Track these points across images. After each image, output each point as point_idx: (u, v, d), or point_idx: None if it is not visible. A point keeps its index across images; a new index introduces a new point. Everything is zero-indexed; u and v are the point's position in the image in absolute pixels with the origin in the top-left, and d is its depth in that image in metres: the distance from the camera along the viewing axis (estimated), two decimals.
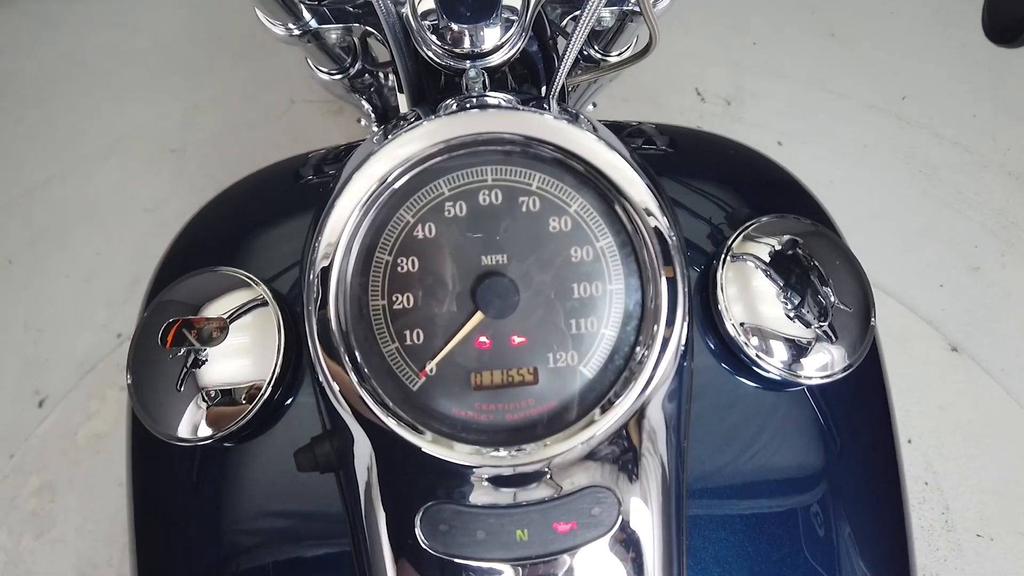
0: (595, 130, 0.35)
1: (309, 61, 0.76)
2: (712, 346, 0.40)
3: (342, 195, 0.30)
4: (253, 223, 0.36)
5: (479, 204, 0.32)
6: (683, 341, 0.31)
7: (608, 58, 0.76)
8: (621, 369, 0.32)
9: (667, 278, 0.31)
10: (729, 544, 0.39)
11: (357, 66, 0.70)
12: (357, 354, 0.31)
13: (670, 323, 0.30)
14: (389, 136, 0.32)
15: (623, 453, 0.32)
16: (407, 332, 0.32)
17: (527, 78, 0.59)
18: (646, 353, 0.31)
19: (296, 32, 0.58)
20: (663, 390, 0.32)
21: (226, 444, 0.40)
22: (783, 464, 0.40)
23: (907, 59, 2.06)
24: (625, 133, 0.53)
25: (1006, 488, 1.40)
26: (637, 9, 0.71)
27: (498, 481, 0.32)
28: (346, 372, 0.31)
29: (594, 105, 1.47)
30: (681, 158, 0.50)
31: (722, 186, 0.46)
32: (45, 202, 1.68)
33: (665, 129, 0.52)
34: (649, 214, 0.30)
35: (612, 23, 0.71)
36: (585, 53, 0.80)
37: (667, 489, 0.34)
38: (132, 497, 0.42)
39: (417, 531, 0.32)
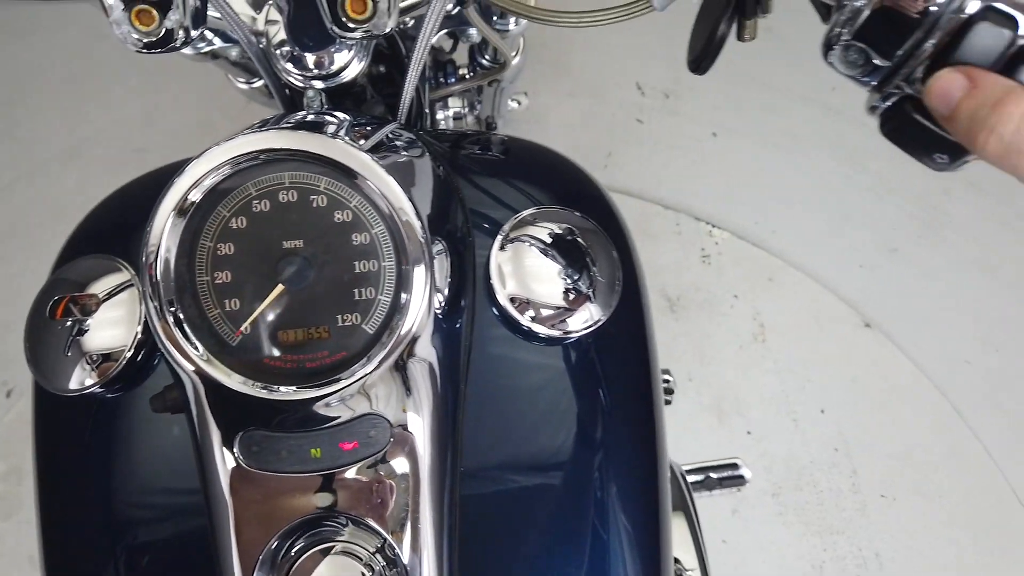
0: (386, 146, 0.46)
1: (227, 74, 0.85)
2: (497, 314, 0.50)
3: (168, 194, 0.40)
4: (137, 215, 0.45)
5: (279, 201, 0.42)
6: (426, 306, 0.41)
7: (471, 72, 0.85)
8: (390, 325, 0.42)
9: (417, 260, 0.41)
10: (502, 486, 0.49)
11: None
12: (184, 319, 0.41)
13: (410, 295, 0.41)
14: (209, 147, 0.41)
15: (393, 390, 0.42)
16: (226, 301, 0.42)
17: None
18: (401, 315, 0.41)
19: (189, 52, 0.68)
20: (422, 343, 0.42)
21: (109, 395, 0.50)
22: (554, 412, 0.51)
23: None
24: (468, 141, 0.63)
25: (910, 453, 1.51)
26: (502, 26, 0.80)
27: (298, 412, 0.42)
28: (176, 332, 0.41)
29: (519, 103, 1.57)
30: (506, 163, 0.60)
31: (532, 186, 0.56)
32: (10, 204, 1.77)
33: (498, 139, 0.62)
34: (403, 212, 0.40)
35: (478, 38, 0.81)
36: (448, 70, 0.90)
37: (438, 419, 0.44)
38: (36, 451, 0.52)
39: (236, 452, 0.42)
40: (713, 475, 1.05)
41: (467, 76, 1.00)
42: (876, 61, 0.34)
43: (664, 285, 1.69)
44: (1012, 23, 0.30)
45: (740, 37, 0.43)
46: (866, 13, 0.33)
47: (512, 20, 0.79)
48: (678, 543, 0.71)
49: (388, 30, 0.40)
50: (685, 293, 1.68)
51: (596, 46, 2.04)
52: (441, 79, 1.02)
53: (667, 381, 1.05)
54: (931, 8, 0.32)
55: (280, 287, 0.42)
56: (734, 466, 1.06)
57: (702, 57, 0.44)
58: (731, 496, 1.46)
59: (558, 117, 1.93)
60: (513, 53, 0.89)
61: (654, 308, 1.70)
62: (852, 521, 1.45)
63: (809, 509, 1.45)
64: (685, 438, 1.50)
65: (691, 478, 1.02)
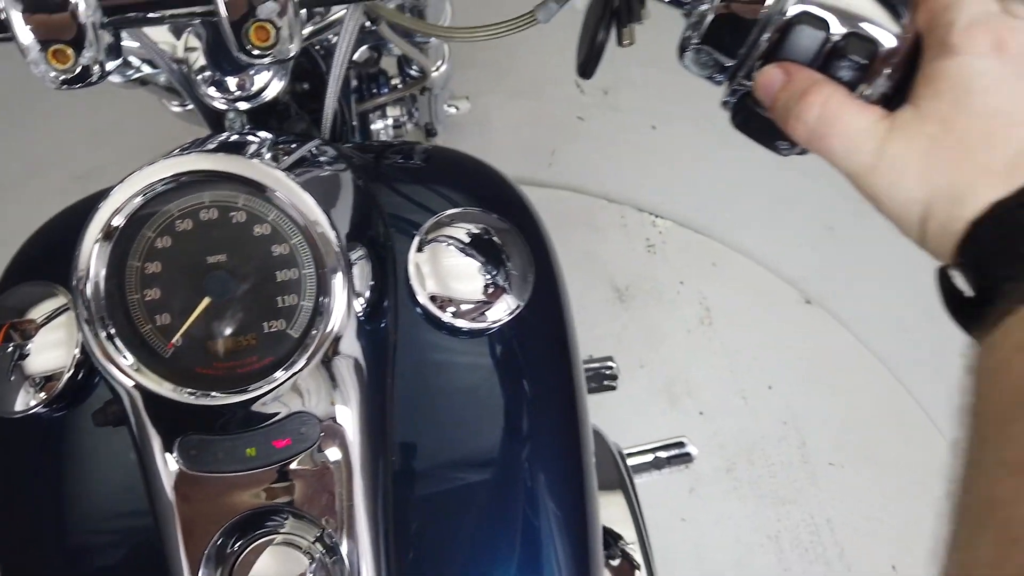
0: (307, 162, 0.49)
1: (160, 98, 0.87)
2: (421, 313, 0.53)
3: (92, 221, 0.43)
4: (71, 241, 0.47)
5: (201, 219, 0.45)
6: (345, 309, 0.44)
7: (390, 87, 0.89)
8: (313, 329, 0.45)
9: (333, 267, 0.44)
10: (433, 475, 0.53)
11: None
12: (117, 336, 0.44)
13: (330, 299, 0.44)
14: (131, 172, 0.44)
15: (321, 388, 0.46)
16: (157, 316, 0.45)
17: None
18: (323, 318, 0.44)
19: (118, 80, 0.70)
20: (346, 343, 0.45)
21: (54, 415, 0.52)
22: (482, 399, 0.54)
23: None
24: (391, 151, 0.66)
25: (855, 422, 1.58)
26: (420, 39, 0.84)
27: (232, 415, 0.45)
28: (110, 349, 0.43)
29: (457, 108, 1.60)
30: (426, 170, 0.63)
31: (450, 190, 0.60)
32: None
33: (420, 148, 0.66)
34: (317, 224, 0.44)
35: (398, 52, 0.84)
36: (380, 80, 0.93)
37: (366, 412, 0.48)
38: None
39: (176, 456, 0.45)
40: (661, 454, 1.10)
41: (398, 86, 1.04)
42: (721, 61, 0.39)
43: (612, 276, 1.74)
44: (824, 25, 0.35)
45: (620, 43, 0.47)
46: (710, 18, 0.37)
47: None
48: (619, 520, 0.76)
49: (293, 55, 0.44)
50: (633, 283, 1.73)
51: (534, 48, 2.07)
52: (374, 90, 1.05)
53: (610, 368, 1.10)
54: (761, 12, 0.36)
55: (207, 300, 0.45)
56: (680, 444, 1.11)
57: (586, 62, 0.48)
58: (688, 475, 1.52)
59: (501, 118, 1.97)
60: (438, 62, 0.92)
61: (604, 299, 1.75)
62: (803, 490, 1.51)
63: (762, 482, 1.51)
64: (639, 422, 1.54)
65: (640, 459, 1.07)
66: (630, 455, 1.06)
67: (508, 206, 0.59)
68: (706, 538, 1.46)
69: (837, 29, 0.35)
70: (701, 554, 1.45)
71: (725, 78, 0.40)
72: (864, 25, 0.35)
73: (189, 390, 0.43)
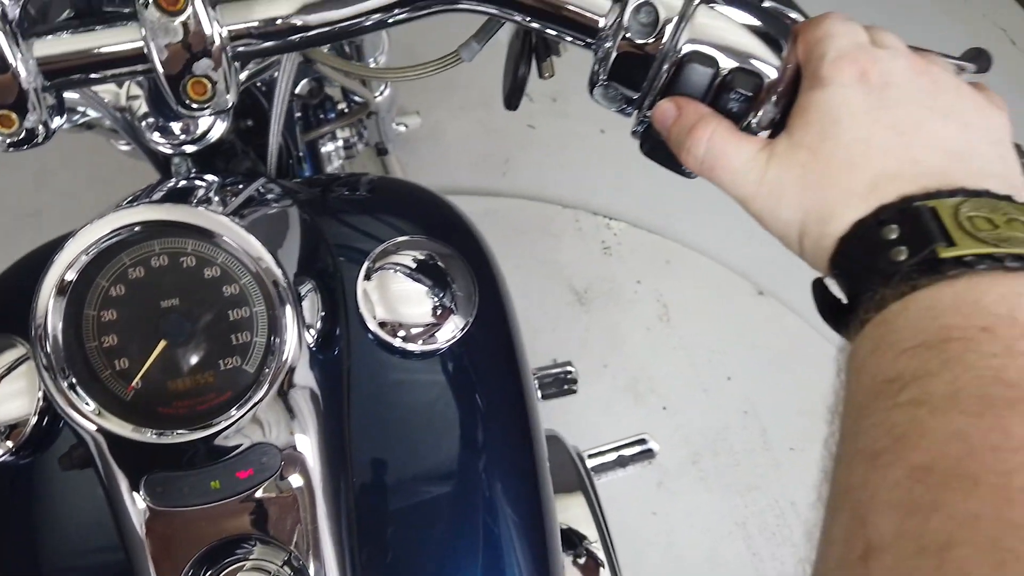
0: (253, 201, 0.51)
1: (107, 139, 0.89)
2: (373, 339, 0.56)
3: (47, 276, 0.45)
4: (29, 290, 0.49)
5: (152, 266, 0.47)
6: (296, 341, 0.46)
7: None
8: (268, 363, 0.47)
9: (282, 303, 0.47)
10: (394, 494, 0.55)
11: None
12: (77, 383, 0.46)
13: (281, 334, 0.46)
14: (82, 226, 0.46)
15: (280, 418, 0.48)
16: (116, 361, 0.47)
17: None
18: (276, 352, 0.47)
19: (65, 127, 0.71)
20: (300, 373, 0.48)
21: (21, 462, 0.54)
22: (437, 417, 0.57)
23: None
24: (337, 184, 0.69)
25: (813, 407, 1.63)
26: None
27: (195, 451, 0.47)
28: (71, 396, 0.45)
29: (406, 126, 1.63)
30: (371, 200, 0.66)
31: (395, 218, 0.63)
32: None
33: (366, 179, 0.68)
34: (263, 262, 0.46)
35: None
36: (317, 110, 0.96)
37: (325, 438, 0.50)
38: None
39: (143, 494, 0.47)
40: (625, 453, 1.13)
41: (345, 110, 1.06)
42: (627, 94, 0.42)
43: (571, 280, 1.78)
44: (713, 61, 0.38)
45: (540, 75, 0.51)
46: (614, 56, 0.40)
47: (370, 61, 0.85)
48: (581, 520, 0.79)
49: (231, 105, 0.46)
50: (591, 285, 1.77)
51: (482, 60, 2.11)
52: (321, 115, 1.08)
53: (570, 373, 1.13)
54: (658, 49, 0.39)
55: (163, 343, 0.47)
56: (642, 441, 1.14)
57: (511, 95, 0.51)
58: (655, 469, 1.56)
59: (453, 131, 1.99)
60: (381, 87, 0.95)
61: (564, 303, 1.78)
62: (767, 476, 1.56)
63: (727, 471, 1.56)
64: (606, 421, 1.58)
65: (604, 459, 1.10)
66: (594, 455, 1.09)
67: (451, 230, 0.62)
68: (677, 530, 1.50)
69: (725, 64, 0.38)
70: (673, 545, 1.49)
71: (632, 110, 0.43)
72: (748, 61, 0.38)
73: (151, 430, 0.45)
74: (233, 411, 0.46)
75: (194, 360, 0.47)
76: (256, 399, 0.46)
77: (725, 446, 1.58)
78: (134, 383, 0.47)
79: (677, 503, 1.52)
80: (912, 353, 0.28)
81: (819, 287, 0.38)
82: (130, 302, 0.47)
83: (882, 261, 0.31)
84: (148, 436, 0.45)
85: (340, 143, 1.26)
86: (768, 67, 0.38)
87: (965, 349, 0.27)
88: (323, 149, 1.16)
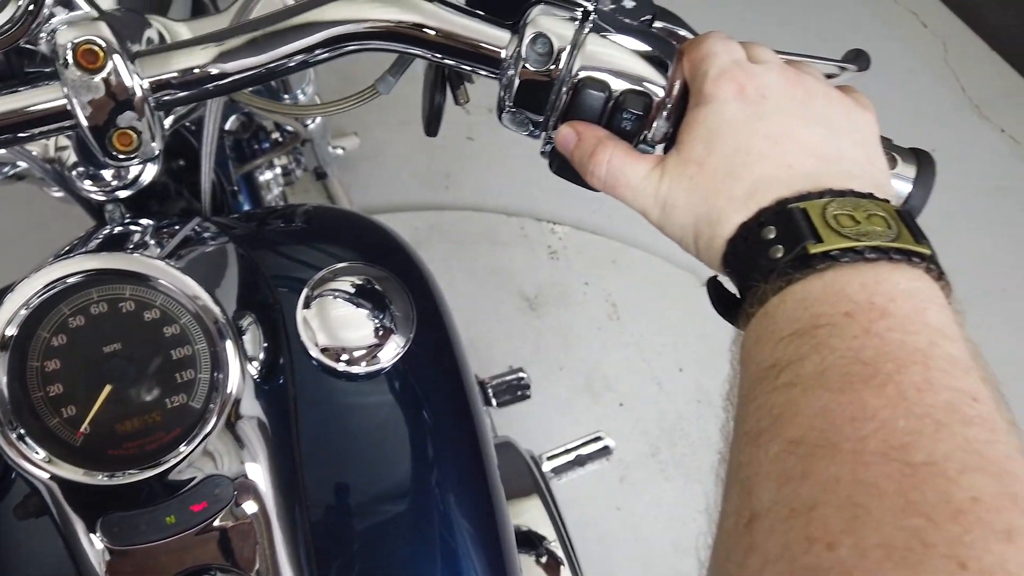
0: (190, 242, 0.53)
1: (40, 187, 0.89)
2: (317, 365, 0.58)
3: None
4: None
5: (92, 313, 0.48)
6: (239, 375, 0.48)
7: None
8: (213, 398, 0.49)
9: (222, 338, 0.48)
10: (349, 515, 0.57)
11: None
12: (26, 433, 0.47)
13: (224, 368, 0.48)
14: (18, 280, 0.47)
15: (230, 449, 0.50)
16: (63, 409, 0.48)
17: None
18: (220, 387, 0.48)
19: None
20: (246, 405, 0.50)
21: None
22: (387, 435, 0.59)
23: None
24: (272, 217, 0.71)
25: None
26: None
27: (148, 489, 0.48)
28: (21, 446, 0.46)
29: (343, 149, 1.64)
30: (307, 230, 0.68)
31: (331, 246, 0.65)
32: None
33: (301, 210, 0.70)
34: (200, 301, 0.48)
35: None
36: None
37: (276, 465, 0.52)
38: None
39: (100, 535, 0.48)
40: (582, 452, 1.17)
41: (279, 139, 1.07)
42: (532, 118, 0.45)
43: (521, 287, 1.81)
44: (604, 85, 0.42)
45: (456, 102, 0.53)
46: (517, 83, 0.43)
47: (299, 94, 0.86)
48: (539, 521, 0.81)
49: (158, 152, 0.48)
50: (541, 291, 1.80)
51: (409, 78, 2.13)
52: (255, 146, 1.09)
53: (522, 379, 1.16)
54: (555, 76, 0.42)
55: (108, 387, 0.48)
56: (598, 439, 1.18)
57: (429, 122, 0.54)
58: (616, 465, 1.60)
59: (393, 149, 2.01)
60: (313, 116, 0.97)
61: (516, 310, 1.81)
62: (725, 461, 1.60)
63: (686, 460, 1.60)
64: (566, 421, 1.62)
65: (563, 459, 1.13)
66: (552, 457, 1.12)
67: (385, 253, 0.64)
68: (642, 522, 1.54)
69: (616, 87, 0.42)
70: (639, 538, 1.52)
71: (539, 132, 0.46)
72: (637, 82, 0.41)
73: (103, 473, 0.47)
74: (182, 447, 0.48)
75: (140, 401, 0.49)
76: (204, 434, 0.48)
77: (682, 436, 1.63)
78: (82, 429, 0.48)
79: (640, 496, 1.56)
80: (788, 341, 0.31)
81: (713, 284, 0.42)
82: (73, 350, 0.48)
83: (763, 259, 0.35)
84: (100, 479, 0.47)
85: (278, 171, 1.27)
86: (656, 87, 0.42)
87: (831, 334, 0.30)
88: (261, 179, 1.17)
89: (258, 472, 0.51)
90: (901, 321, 0.30)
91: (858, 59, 0.51)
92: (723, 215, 0.38)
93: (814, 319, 0.31)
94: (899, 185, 0.44)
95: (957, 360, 0.29)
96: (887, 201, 0.36)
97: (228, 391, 0.48)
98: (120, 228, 0.57)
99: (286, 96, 0.86)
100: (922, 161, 0.44)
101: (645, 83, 0.42)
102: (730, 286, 0.40)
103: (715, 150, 0.39)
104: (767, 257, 0.35)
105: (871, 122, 0.42)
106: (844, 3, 2.57)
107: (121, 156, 0.47)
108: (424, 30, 0.45)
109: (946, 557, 0.22)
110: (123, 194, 0.63)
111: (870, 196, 0.35)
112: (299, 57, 0.46)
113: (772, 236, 0.35)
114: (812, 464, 0.27)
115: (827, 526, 0.24)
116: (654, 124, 0.43)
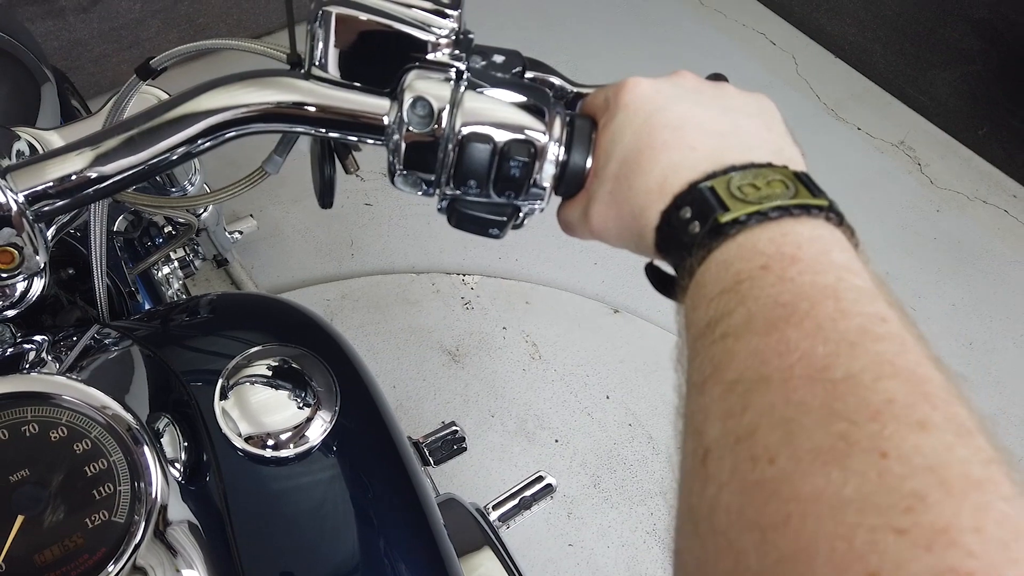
0: (90, 351, 0.51)
1: None
2: (243, 456, 0.56)
3: None
4: None
5: None
6: (162, 480, 0.47)
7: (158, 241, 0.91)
8: (136, 509, 0.47)
9: (138, 445, 0.47)
10: None
11: None
12: None
13: (144, 475, 0.46)
14: None
15: (162, 559, 0.48)
16: None
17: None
18: (138, 500, 0.46)
19: None
20: (173, 509, 0.48)
21: None
22: (329, 513, 0.58)
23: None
24: (176, 312, 0.69)
25: None
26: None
27: None
28: None
29: (241, 233, 1.61)
30: (213, 320, 0.67)
31: (242, 332, 0.64)
32: None
33: (206, 300, 0.68)
34: (109, 410, 0.46)
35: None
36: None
37: (212, 567, 0.50)
38: None
39: None
40: (526, 494, 1.16)
41: (172, 233, 1.05)
42: (424, 178, 0.46)
43: (441, 341, 1.81)
44: (488, 138, 0.43)
45: (347, 171, 0.54)
46: (404, 146, 0.45)
47: (187, 184, 0.85)
48: (495, 573, 0.80)
49: (44, 264, 0.46)
50: (461, 342, 1.80)
51: (297, 153, 2.13)
52: (148, 243, 1.06)
53: (456, 432, 1.15)
54: (438, 135, 0.44)
55: (20, 518, 0.46)
56: (540, 479, 1.18)
57: (322, 195, 0.54)
58: (561, 501, 1.60)
59: (291, 226, 1.99)
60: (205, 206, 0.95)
61: (440, 365, 1.80)
62: (664, 479, 1.63)
63: (627, 484, 1.62)
64: (505, 467, 1.61)
65: (508, 505, 1.13)
66: (498, 505, 1.11)
67: (297, 330, 0.64)
68: (595, 554, 1.54)
69: (499, 138, 0.43)
70: (596, 569, 1.52)
71: (433, 191, 0.48)
72: (518, 131, 0.44)
73: None
74: (110, 567, 0.46)
75: (58, 526, 0.46)
76: (131, 548, 0.46)
77: (619, 461, 1.65)
78: None
79: (589, 528, 1.57)
80: (717, 299, 0.35)
81: (651, 268, 0.45)
82: None
83: (685, 236, 0.38)
84: None
85: (175, 265, 1.24)
86: (536, 133, 0.44)
87: (751, 286, 0.34)
88: (158, 275, 1.14)
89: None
90: (810, 264, 0.34)
91: (718, 81, 0.55)
92: (645, 210, 0.41)
93: (736, 276, 0.35)
94: None
95: (864, 290, 0.33)
96: (785, 167, 0.39)
97: (152, 498, 0.47)
98: (12, 349, 0.54)
99: (174, 189, 0.85)
100: None
101: (526, 131, 0.44)
102: (667, 268, 0.43)
103: (618, 160, 0.43)
104: (688, 234, 0.38)
105: (763, 98, 0.46)
106: (703, 32, 2.74)
107: (4, 275, 0.45)
108: (304, 108, 0.46)
109: (868, 451, 0.25)
110: (10, 313, 0.60)
111: (768, 165, 0.39)
112: (181, 150, 0.46)
113: (688, 215, 0.38)
114: (750, 398, 0.30)
115: (767, 444, 0.28)
116: (543, 167, 0.45)
